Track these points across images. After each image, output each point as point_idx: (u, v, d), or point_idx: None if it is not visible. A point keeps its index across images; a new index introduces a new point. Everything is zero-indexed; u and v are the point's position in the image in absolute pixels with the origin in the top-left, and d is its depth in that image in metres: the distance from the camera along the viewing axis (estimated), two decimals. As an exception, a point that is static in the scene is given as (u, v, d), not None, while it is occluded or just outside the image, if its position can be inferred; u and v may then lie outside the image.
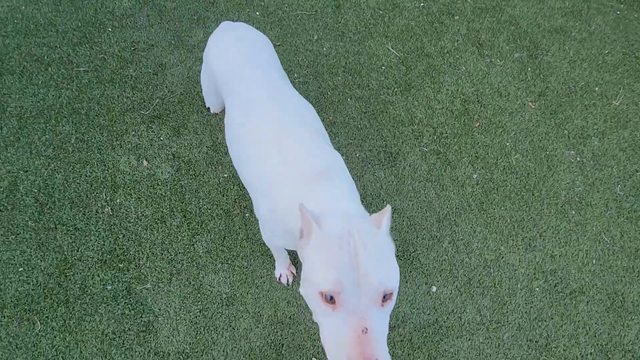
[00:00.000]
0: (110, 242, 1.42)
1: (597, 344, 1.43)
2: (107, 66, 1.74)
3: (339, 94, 1.83)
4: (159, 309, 1.33)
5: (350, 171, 0.96)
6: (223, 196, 1.55)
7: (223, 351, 1.30)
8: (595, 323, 1.47)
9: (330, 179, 0.87)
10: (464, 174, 1.70)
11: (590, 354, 1.42)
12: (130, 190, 1.51)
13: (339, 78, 1.87)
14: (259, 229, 1.50)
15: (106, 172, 1.53)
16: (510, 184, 1.70)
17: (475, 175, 1.71)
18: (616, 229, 1.66)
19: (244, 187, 1.57)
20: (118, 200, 1.49)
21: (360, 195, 1.11)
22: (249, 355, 1.30)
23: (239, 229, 1.50)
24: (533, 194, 1.69)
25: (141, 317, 1.31)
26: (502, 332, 1.43)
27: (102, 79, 1.71)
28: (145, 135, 1.62)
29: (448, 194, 1.65)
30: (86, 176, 1.52)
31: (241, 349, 1.31)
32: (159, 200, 1.51)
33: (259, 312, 1.38)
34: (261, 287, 1.41)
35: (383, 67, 1.93)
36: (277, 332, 1.35)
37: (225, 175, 1.59)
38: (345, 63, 1.91)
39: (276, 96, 1.02)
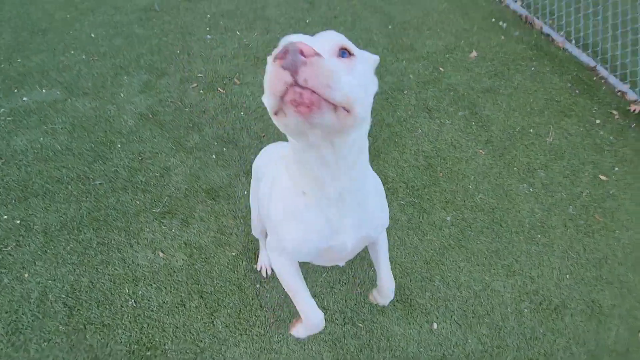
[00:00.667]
0: (136, 332, 1.54)
1: (588, 351, 1.58)
2: (119, 177, 2.02)
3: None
4: (188, 390, 1.42)
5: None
6: (234, 273, 1.73)
7: (253, 421, 1.37)
8: (582, 332, 1.63)
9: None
10: (439, 218, 1.96)
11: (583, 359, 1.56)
12: (150, 281, 1.68)
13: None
14: (269, 298, 1.66)
15: (127, 268, 1.71)
16: (480, 220, 1.96)
17: (449, 218, 1.97)
18: (578, 244, 1.90)
19: (254, 262, 1.76)
20: (140, 292, 1.64)
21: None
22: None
23: (252, 299, 1.65)
24: (501, 226, 1.95)
25: (172, 401, 1.39)
26: (505, 356, 1.57)
27: (116, 188, 1.97)
28: (159, 230, 1.84)
29: (429, 237, 1.88)
30: (109, 275, 1.68)
31: (270, 416, 1.39)
32: (176, 286, 1.67)
33: (281, 376, 1.48)
34: (279, 351, 1.53)
35: (353, 140, 2.29)
36: (301, 392, 1.44)
37: (234, 254, 1.79)
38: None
39: None
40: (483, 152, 2.27)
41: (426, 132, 2.35)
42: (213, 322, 1.59)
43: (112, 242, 1.79)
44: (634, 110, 2.54)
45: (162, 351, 1.50)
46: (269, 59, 0.57)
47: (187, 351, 1.51)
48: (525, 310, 1.69)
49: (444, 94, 2.59)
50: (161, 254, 1.76)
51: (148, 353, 1.49)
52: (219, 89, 2.51)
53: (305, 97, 0.53)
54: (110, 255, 1.75)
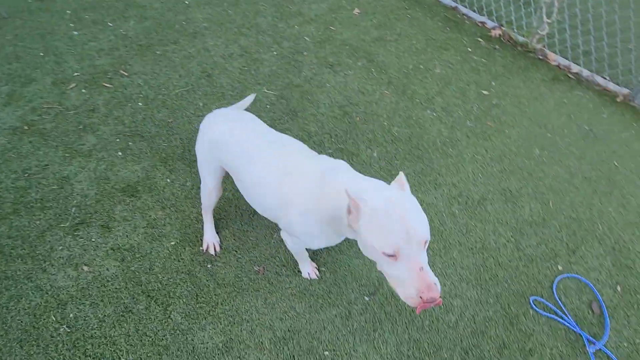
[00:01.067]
0: (79, 358, 1.32)
1: (511, 228, 1.85)
2: (5, 201, 1.68)
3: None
4: (162, 392, 1.27)
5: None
6: (179, 261, 1.59)
7: (243, 393, 1.30)
8: (502, 215, 1.90)
9: (337, 172, 1.13)
10: (367, 156, 2.07)
11: (511, 236, 1.82)
12: (80, 299, 1.44)
13: (236, 127, 2.13)
14: (225, 273, 1.57)
15: (46, 295, 1.44)
16: (401, 149, 2.13)
17: (375, 154, 2.09)
18: (481, 148, 2.20)
19: (198, 244, 1.64)
20: (71, 315, 1.41)
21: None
22: (268, 382, 1.33)
23: (207, 281, 1.54)
24: (419, 149, 2.14)
25: (146, 410, 1.24)
26: (451, 252, 1.75)
27: (4, 214, 1.64)
28: (75, 244, 1.58)
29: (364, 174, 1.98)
30: (25, 309, 1.40)
31: (259, 382, 1.33)
32: (115, 295, 1.47)
33: (259, 341, 1.42)
34: (250, 319, 1.47)
35: (268, 107, 2.26)
36: (283, 348, 1.41)
37: (173, 243, 1.64)
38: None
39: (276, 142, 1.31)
40: (388, 92, 2.45)
41: (334, 85, 2.44)
42: (169, 316, 1.44)
43: (18, 273, 1.48)
44: (494, 35, 3.00)
45: (118, 365, 1.32)
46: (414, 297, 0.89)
47: (149, 354, 1.35)
48: (457, 211, 1.90)
49: (340, 49, 2.70)
50: (86, 268, 1.52)
51: (102, 373, 1.30)
52: (104, 84, 2.23)
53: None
54: (20, 287, 1.45)
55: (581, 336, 1.52)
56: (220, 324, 1.44)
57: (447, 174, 2.05)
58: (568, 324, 1.55)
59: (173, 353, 1.36)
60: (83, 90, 2.18)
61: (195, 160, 1.93)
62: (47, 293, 1.45)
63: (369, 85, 2.47)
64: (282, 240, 1.69)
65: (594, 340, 1.51)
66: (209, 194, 1.51)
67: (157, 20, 2.71)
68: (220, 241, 1.65)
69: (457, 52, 2.83)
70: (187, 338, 1.40)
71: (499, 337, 1.51)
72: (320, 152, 2.03)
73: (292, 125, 2.18)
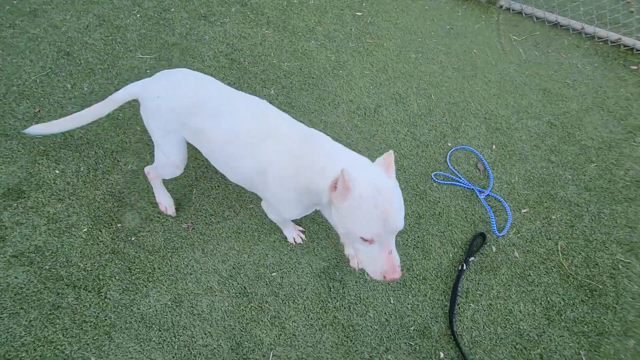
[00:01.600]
0: (16, 368, 1.22)
1: (406, 124, 2.08)
2: None
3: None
4: (122, 364, 1.25)
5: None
6: (98, 244, 1.50)
7: (205, 334, 1.34)
8: (396, 115, 2.11)
9: (316, 139, 1.11)
10: (267, 95, 2.09)
11: (407, 130, 2.05)
12: (-6, 316, 1.30)
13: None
14: (154, 240, 1.53)
15: (-52, 326, 1.27)
16: (295, 81, 2.19)
17: (273, 91, 2.12)
18: (366, 64, 2.36)
19: (118, 223, 1.55)
20: (-11, 334, 1.27)
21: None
22: (227, 320, 1.39)
23: (136, 253, 1.50)
24: (312, 77, 2.23)
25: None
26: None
27: None
28: (-35, 266, 1.39)
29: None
30: None
31: (217, 324, 1.38)
32: (36, 297, 1.35)
33: (207, 286, 1.45)
34: (193, 271, 1.48)
35: (148, 71, 2.11)
36: (233, 284, 1.46)
37: (85, 230, 1.53)
38: (108, 84, 2.01)
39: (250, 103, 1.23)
40: (269, 32, 2.44)
41: (213, 37, 2.35)
42: (105, 297, 1.39)
43: None
44: (354, -41, 3.10)
45: (65, 357, 1.25)
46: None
47: (96, 337, 1.30)
48: (358, 122, 2.07)
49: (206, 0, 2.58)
50: (-12, 284, 1.36)
51: (48, 372, 1.22)
52: None
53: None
54: None
55: (474, 190, 1.85)
56: (163, 285, 1.43)
57: (342, 93, 2.18)
58: (463, 185, 1.85)
59: (122, 327, 1.33)
60: None
61: (84, 143, 1.77)
62: (-52, 323, 1.27)
63: (248, 29, 2.43)
64: (205, 193, 1.69)
65: (483, 190, 1.84)
66: (175, 169, 1.40)
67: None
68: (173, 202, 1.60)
69: (325, -18, 2.89)
70: (132, 310, 1.37)
71: (414, 211, 1.76)
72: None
73: (180, 84, 2.07)
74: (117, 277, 1.43)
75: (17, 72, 1.99)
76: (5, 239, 1.47)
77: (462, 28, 2.73)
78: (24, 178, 1.63)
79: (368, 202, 0.92)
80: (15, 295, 1.35)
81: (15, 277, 1.39)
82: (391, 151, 1.01)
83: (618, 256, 1.68)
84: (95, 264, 1.45)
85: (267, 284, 1.48)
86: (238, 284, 1.47)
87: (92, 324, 1.33)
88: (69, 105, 1.90)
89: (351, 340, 1.40)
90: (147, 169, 1.50)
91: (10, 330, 1.28)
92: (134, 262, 1.47)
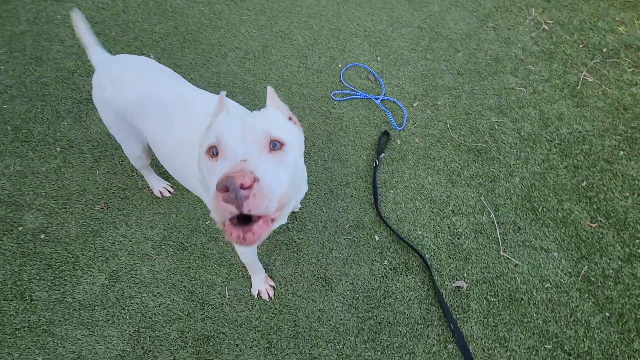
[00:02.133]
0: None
1: (296, 56, 2.13)
2: None
3: None
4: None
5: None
6: (4, 253, 1.36)
7: (155, 295, 1.34)
8: (284, 52, 2.16)
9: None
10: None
11: (299, 62, 2.12)
12: None
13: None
14: (68, 230, 1.43)
15: None
16: (174, 41, 2.09)
17: (152, 56, 2.01)
18: (243, 9, 2.33)
19: (19, 227, 1.41)
20: None
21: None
22: (174, 277, 1.39)
23: (52, 248, 1.39)
24: (191, 34, 2.14)
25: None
26: (260, 94, 1.95)
27: None
28: None
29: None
30: None
31: (164, 284, 1.38)
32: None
33: (142, 254, 1.42)
34: (122, 246, 1.43)
35: (2, 68, 1.84)
36: (168, 244, 1.45)
37: (-19, 245, 1.37)
38: None
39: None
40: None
41: (66, 14, 2.11)
42: (31, 299, 1.29)
43: None
44: None
45: (5, 370, 1.16)
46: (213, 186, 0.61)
47: (34, 342, 1.22)
48: (251, 66, 2.07)
49: None
50: None
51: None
52: None
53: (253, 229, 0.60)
54: None
55: (370, 98, 2.01)
56: (94, 268, 1.37)
57: (226, 42, 2.15)
58: (360, 96, 2.01)
59: (61, 321, 1.26)
60: None
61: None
62: None
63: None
64: (110, 171, 1.60)
65: (377, 96, 2.02)
66: (140, 159, 1.28)
67: None
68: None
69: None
70: (66, 301, 1.30)
71: (324, 130, 1.87)
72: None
73: (43, 72, 1.86)
74: (37, 278, 1.33)
75: None
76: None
77: (325, -41, 2.80)
78: None
79: (224, 114, 0.76)
80: None
81: None
82: (269, 87, 0.86)
83: (492, 119, 2.00)
84: (7, 272, 1.33)
85: (203, 233, 1.50)
86: (174, 242, 1.47)
87: (26, 328, 1.24)
88: None
89: (297, 254, 1.50)
90: None
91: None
92: (52, 258, 1.38)
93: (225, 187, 0.56)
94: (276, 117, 0.79)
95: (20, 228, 1.42)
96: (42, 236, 1.41)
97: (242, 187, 0.56)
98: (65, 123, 1.70)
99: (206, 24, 2.22)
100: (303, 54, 2.18)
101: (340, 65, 2.16)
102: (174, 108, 1.01)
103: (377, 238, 1.57)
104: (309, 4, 2.46)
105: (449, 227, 1.63)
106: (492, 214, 1.67)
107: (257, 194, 0.58)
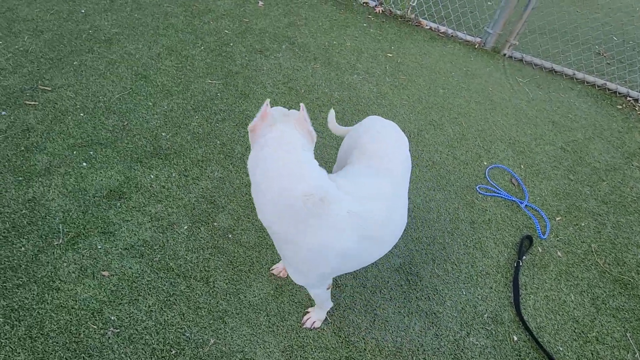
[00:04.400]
0: (142, 350, 1.29)
1: (446, 146, 2.38)
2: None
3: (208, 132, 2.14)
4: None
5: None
6: (200, 240, 1.63)
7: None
8: (435, 139, 2.42)
9: None
10: (324, 118, 2.36)
11: (448, 151, 2.35)
12: (115, 301, 1.38)
13: (197, 118, 2.17)
14: (249, 238, 1.68)
15: (73, 309, 1.33)
16: (347, 108, 2.48)
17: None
18: (404, 96, 2.70)
19: (214, 222, 1.69)
20: (113, 318, 1.34)
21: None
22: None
23: (235, 248, 1.63)
24: (360, 105, 2.53)
25: None
26: (415, 170, 2.17)
27: (-31, 254, 1.40)
28: (80, 257, 1.47)
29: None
30: (55, 331, 1.28)
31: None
32: (150, 286, 1.45)
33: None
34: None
35: (218, 94, 2.35)
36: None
37: (186, 227, 1.66)
38: (185, 104, 2.22)
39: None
40: (318, 66, 2.78)
41: (270, 68, 2.65)
42: (214, 286, 1.50)
43: (26, 301, 1.33)
44: (378, 11, 3.60)
45: (185, 340, 1.34)
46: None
47: (211, 324, 1.40)
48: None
49: (261, 37, 2.91)
50: (106, 273, 1.45)
51: None
52: (26, 102, 2.00)
53: None
54: (37, 313, 1.31)
55: (514, 201, 2.12)
56: (264, 277, 1.56)
57: (387, 118, 2.48)
58: (504, 196, 2.13)
59: (233, 313, 1.44)
60: (3, 113, 1.92)
61: (171, 153, 1.94)
62: (73, 308, 1.34)
63: (299, 63, 2.76)
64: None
65: (521, 201, 2.12)
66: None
67: (57, 32, 2.48)
68: None
69: (356, 28, 3.32)
70: (239, 297, 1.49)
71: (467, 217, 2.00)
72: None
73: (248, 106, 2.32)
74: (221, 269, 1.55)
75: (101, 90, 2.18)
76: (115, 234, 1.57)
77: (476, 70, 3.18)
78: (122, 181, 1.76)
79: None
80: (132, 283, 1.44)
81: (130, 268, 1.49)
82: (301, 104, 1.03)
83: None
84: (200, 257, 1.58)
85: (353, 276, 1.64)
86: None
87: (206, 309, 1.43)
88: (152, 120, 2.09)
89: (436, 326, 1.56)
90: None
91: (132, 315, 1.37)
92: (234, 256, 1.61)
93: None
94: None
95: (215, 224, 1.70)
96: (230, 236, 1.67)
97: None
98: (259, 150, 2.07)
99: (372, 100, 2.61)
100: (452, 144, 2.42)
101: (485, 163, 2.34)
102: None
103: (515, 339, 1.57)
104: (459, 104, 2.76)
105: (592, 354, 1.56)
106: (638, 354, 1.58)
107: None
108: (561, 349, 1.56)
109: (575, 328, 1.64)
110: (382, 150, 1.21)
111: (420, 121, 2.54)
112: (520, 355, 1.52)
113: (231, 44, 2.76)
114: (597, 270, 1.87)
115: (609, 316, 1.70)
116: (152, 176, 1.82)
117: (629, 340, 1.63)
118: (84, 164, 1.79)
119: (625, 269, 1.90)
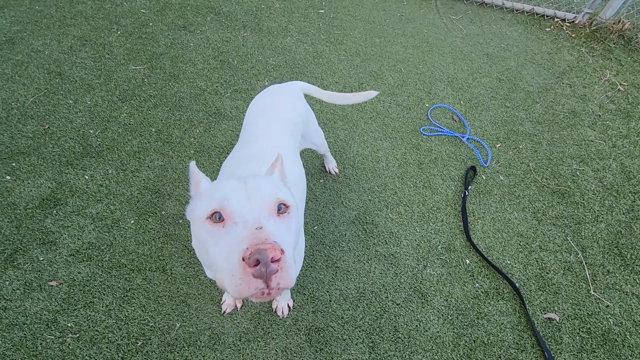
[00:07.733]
0: (106, 347, 1.28)
1: (388, 94, 2.39)
2: None
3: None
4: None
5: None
6: (149, 232, 1.59)
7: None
8: (377, 90, 2.43)
9: None
10: (263, 87, 2.29)
11: (391, 99, 2.37)
12: (68, 308, 1.35)
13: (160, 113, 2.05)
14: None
15: (26, 324, 1.29)
16: (285, 72, 2.42)
17: (267, 83, 2.33)
18: (340, 51, 2.66)
19: (162, 211, 1.65)
20: (69, 324, 1.31)
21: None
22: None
23: (189, 232, 1.61)
24: (297, 67, 2.47)
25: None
26: (359, 124, 2.19)
27: None
28: (22, 273, 1.41)
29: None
30: (11, 348, 1.24)
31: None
32: (104, 286, 1.42)
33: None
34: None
35: (146, 80, 2.21)
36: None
37: (133, 221, 1.61)
38: (111, 95, 2.08)
39: None
40: (248, 34, 2.66)
41: (198, 43, 2.51)
42: (171, 273, 1.49)
43: None
44: (304, -33, 3.43)
45: (150, 330, 1.34)
46: (238, 261, 0.56)
47: (173, 309, 1.40)
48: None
49: (183, 12, 2.73)
50: (54, 283, 1.40)
51: (140, 343, 1.30)
52: None
53: (272, 294, 0.56)
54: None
55: (457, 136, 2.20)
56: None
57: (327, 77, 2.46)
58: (447, 133, 2.20)
59: (195, 295, 1.44)
60: None
61: (104, 150, 1.85)
62: (25, 323, 1.30)
63: (228, 33, 2.62)
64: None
65: (463, 135, 2.20)
66: None
67: None
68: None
69: None
70: (199, 279, 1.48)
71: (415, 160, 2.06)
72: (219, 99, 2.16)
73: (180, 88, 2.21)
74: (176, 255, 1.54)
75: (12, 96, 2.00)
76: (56, 243, 1.50)
77: (410, 14, 3.16)
78: (54, 188, 1.67)
79: (219, 181, 0.73)
80: (84, 287, 1.41)
81: (79, 273, 1.44)
82: (279, 154, 0.84)
83: (574, 166, 2.11)
84: (152, 247, 1.55)
85: (312, 237, 1.67)
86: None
87: (167, 297, 1.42)
88: (77, 119, 1.95)
89: (395, 266, 1.64)
90: None
91: (89, 317, 1.34)
92: (188, 240, 1.59)
93: (256, 261, 0.53)
94: (276, 178, 0.79)
95: (163, 212, 1.66)
96: (180, 221, 1.64)
97: (272, 260, 0.54)
98: (198, 131, 2.00)
99: (310, 60, 2.55)
100: (393, 92, 2.44)
101: (427, 105, 2.38)
102: None
103: (467, 262, 1.68)
104: (397, 50, 2.76)
105: (537, 261, 1.71)
106: (580, 254, 1.74)
107: (283, 267, 0.56)
108: (509, 262, 1.69)
109: (520, 241, 1.77)
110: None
111: (360, 74, 2.52)
112: (473, 275, 1.63)
113: (150, 24, 2.57)
114: (537, 186, 2.00)
115: (550, 225, 1.85)
116: (86, 177, 1.72)
117: (570, 243, 1.79)
118: (8, 177, 1.67)
119: (562, 180, 2.04)
